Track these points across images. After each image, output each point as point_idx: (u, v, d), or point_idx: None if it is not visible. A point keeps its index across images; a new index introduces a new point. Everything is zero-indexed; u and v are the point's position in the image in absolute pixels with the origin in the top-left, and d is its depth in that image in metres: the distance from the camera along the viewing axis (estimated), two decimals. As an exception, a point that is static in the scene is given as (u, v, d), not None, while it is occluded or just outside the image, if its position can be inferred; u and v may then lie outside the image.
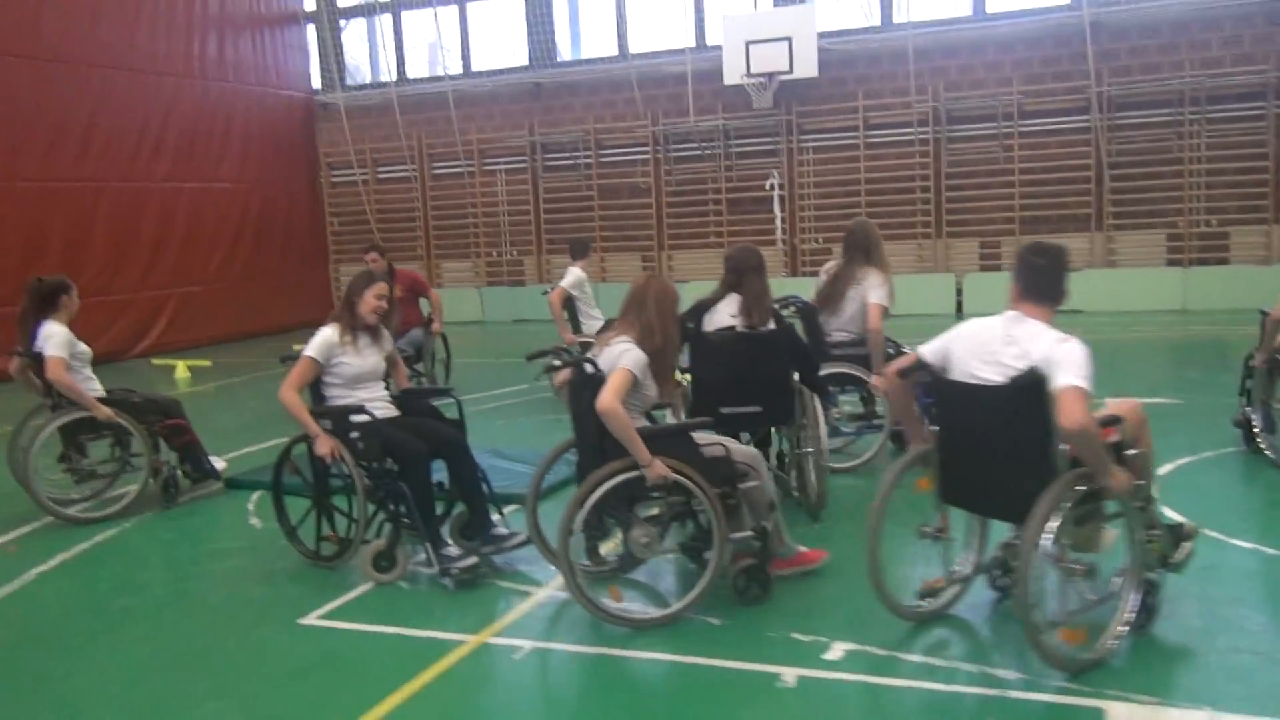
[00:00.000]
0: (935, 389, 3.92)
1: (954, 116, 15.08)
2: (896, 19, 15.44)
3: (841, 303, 6.38)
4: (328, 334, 5.05)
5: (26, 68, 13.48)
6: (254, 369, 12.69)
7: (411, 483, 4.77)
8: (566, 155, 17.36)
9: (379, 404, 5.13)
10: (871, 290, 6.26)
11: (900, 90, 15.33)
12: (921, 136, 15.20)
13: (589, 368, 4.33)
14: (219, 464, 6.83)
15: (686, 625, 4.21)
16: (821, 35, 15.15)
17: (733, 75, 15.30)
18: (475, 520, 5.03)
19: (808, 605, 4.35)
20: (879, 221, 15.57)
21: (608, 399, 4.09)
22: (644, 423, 4.50)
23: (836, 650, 3.92)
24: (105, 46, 14.71)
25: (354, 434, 4.87)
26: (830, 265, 6.73)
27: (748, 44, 15.10)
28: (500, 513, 5.09)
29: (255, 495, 6.50)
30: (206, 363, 12.57)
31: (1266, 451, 5.97)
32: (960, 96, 14.98)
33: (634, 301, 4.47)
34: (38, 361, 5.99)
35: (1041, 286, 3.72)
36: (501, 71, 17.90)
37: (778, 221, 16.02)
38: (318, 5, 18.89)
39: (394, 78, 18.48)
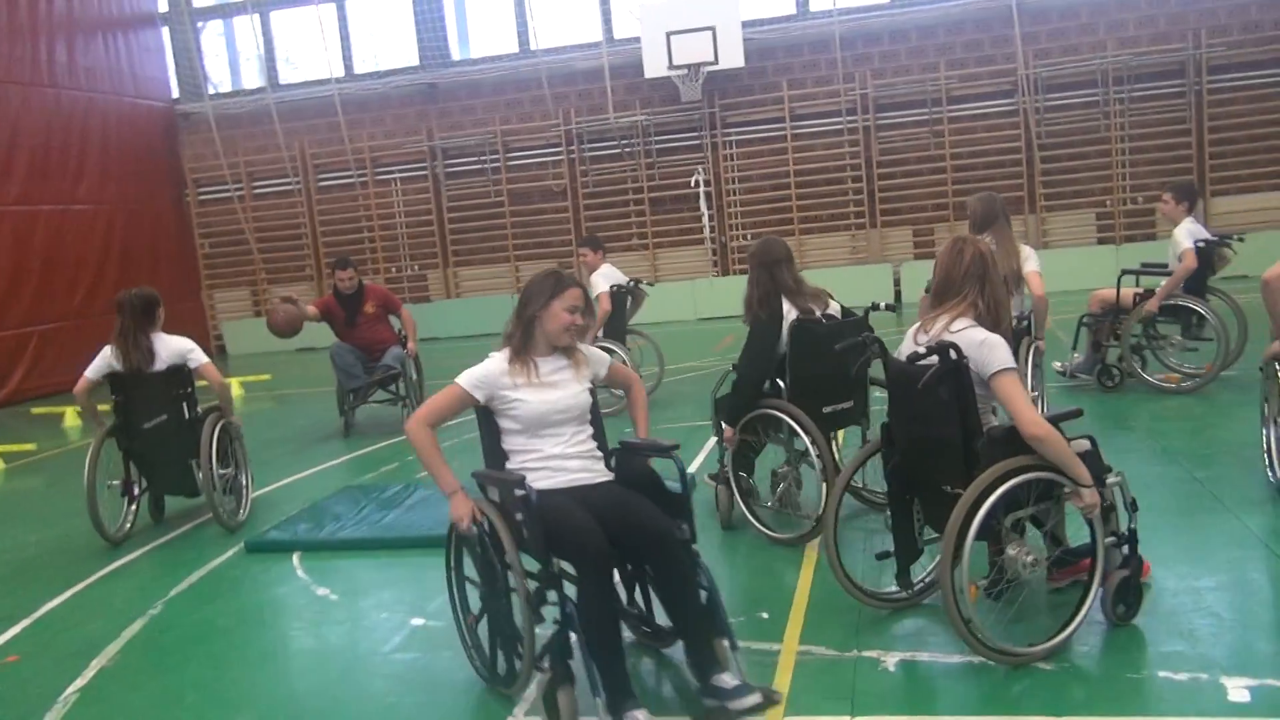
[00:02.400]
0: None
1: (882, 104, 14.80)
2: (815, 6, 15.07)
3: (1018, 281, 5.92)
4: (494, 362, 3.60)
5: None
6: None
7: (583, 598, 3.26)
8: (472, 160, 16.17)
9: (575, 462, 3.61)
10: (1027, 260, 5.94)
11: (825, 79, 14.95)
12: (850, 125, 14.85)
13: (953, 354, 3.43)
14: None
15: (1016, 677, 3.37)
16: (743, 25, 14.60)
17: (655, 68, 14.54)
18: (691, 655, 3.43)
19: (1128, 634, 3.59)
20: (809, 215, 15.31)
21: (1031, 413, 3.34)
22: (993, 421, 3.68)
23: (1237, 689, 3.18)
24: (-61, 50, 12.66)
25: (519, 514, 3.35)
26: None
27: (669, 35, 14.39)
28: (732, 644, 3.38)
29: (295, 555, 5.29)
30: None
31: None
32: (887, 84, 14.72)
33: (972, 273, 3.61)
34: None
35: None
36: (391, 73, 16.56)
37: (705, 219, 15.35)
38: (170, 6, 17.04)
39: (265, 83, 16.83)
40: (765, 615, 4.08)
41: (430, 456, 3.53)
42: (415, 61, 16.49)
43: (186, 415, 5.90)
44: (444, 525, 5.29)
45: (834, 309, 4.99)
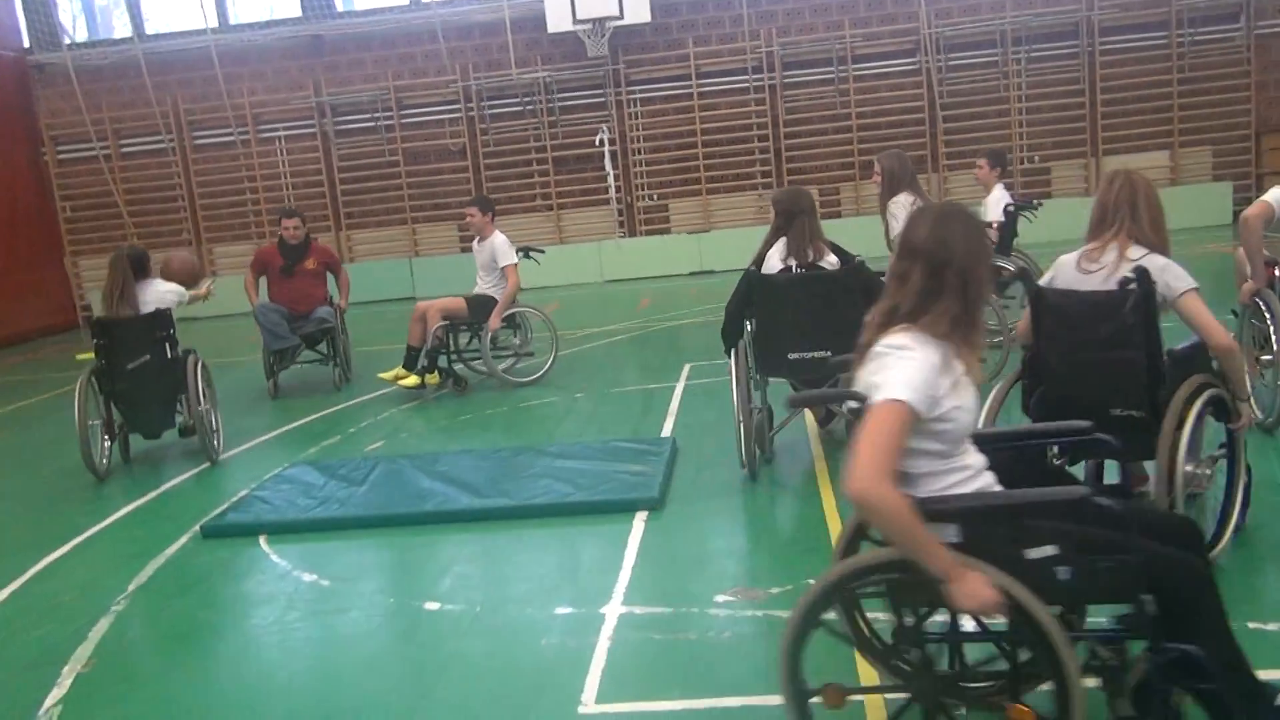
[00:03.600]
0: None
1: (788, 62, 14.70)
2: (718, -40, 14.84)
3: None
4: (924, 358, 2.27)
5: None
6: (30, 389, 10.10)
7: (1211, 645, 2.30)
8: (364, 117, 15.36)
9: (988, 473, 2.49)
10: None
11: (729, 36, 14.75)
12: (756, 84, 14.71)
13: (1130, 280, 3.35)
14: None
15: None
16: (646, -22, 14.24)
17: (558, 22, 14.06)
18: None
19: None
20: (715, 174, 15.13)
21: (1220, 327, 3.42)
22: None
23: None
24: None
25: (1060, 566, 2.26)
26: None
27: (572, -13, 13.92)
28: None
29: (262, 538, 4.82)
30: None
31: None
32: (792, 41, 14.62)
33: (1122, 200, 3.59)
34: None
35: None
36: (273, 24, 15.55)
37: (610, 179, 15.00)
38: (17, -55, 15.56)
39: (131, 32, 15.58)
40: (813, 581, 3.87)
41: (916, 530, 2.17)
42: (298, 12, 15.52)
43: (168, 355, 6.26)
44: (425, 500, 5.00)
45: (828, 261, 5.12)
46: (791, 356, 5.05)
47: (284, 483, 5.59)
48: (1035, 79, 14.39)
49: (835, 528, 4.34)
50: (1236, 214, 14.06)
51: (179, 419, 6.39)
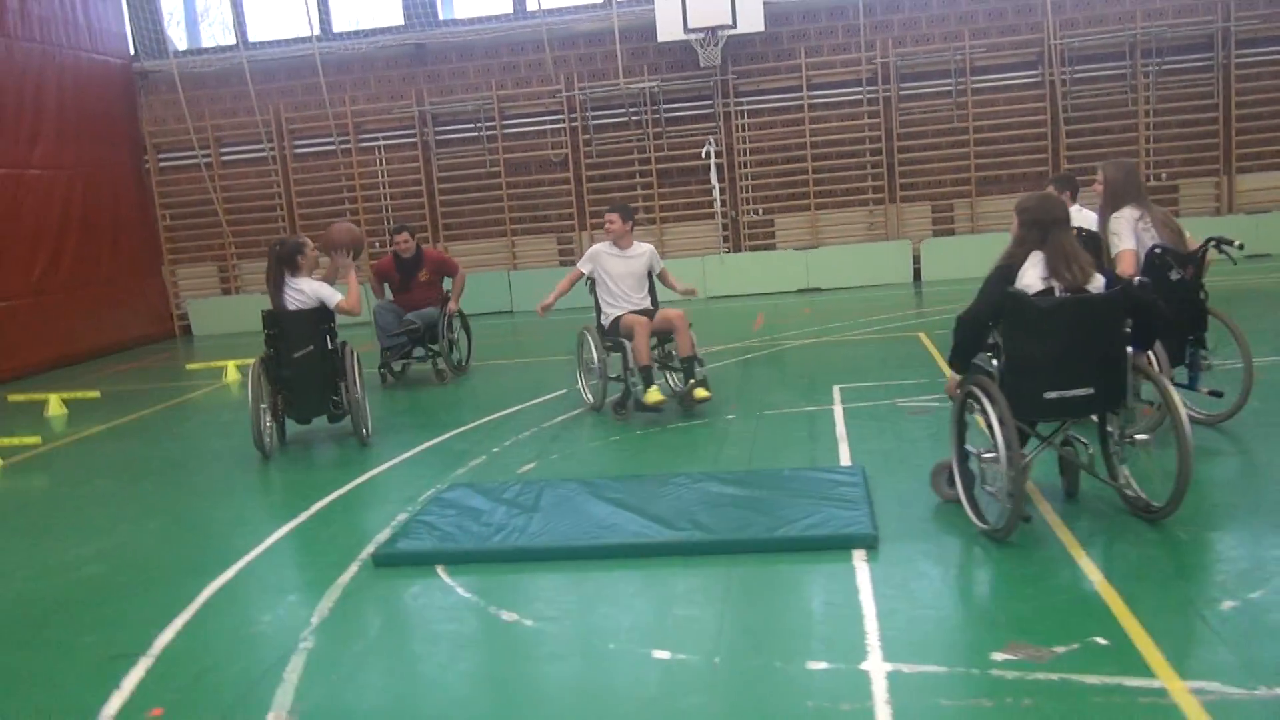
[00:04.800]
0: None
1: (903, 74, 14.21)
2: (832, -30, 14.41)
3: None
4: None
5: None
6: (147, 399, 9.91)
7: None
8: (466, 127, 15.15)
9: None
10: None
11: (842, 47, 14.32)
12: (870, 96, 14.24)
13: None
14: None
15: None
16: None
17: (669, 31, 13.72)
18: None
19: None
20: (825, 189, 14.66)
21: None
22: None
23: None
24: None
25: None
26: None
27: (684, -4, 13.58)
28: None
29: (441, 568, 4.45)
30: (93, 394, 9.63)
31: None
32: (908, 53, 14.13)
33: None
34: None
35: None
36: (375, 32, 15.42)
37: (715, 193, 14.61)
38: (124, -46, 15.62)
39: (235, 40, 15.54)
40: (1103, 640, 3.39)
41: None
42: (399, 21, 15.39)
43: (330, 345, 6.85)
44: (613, 531, 4.59)
45: (1095, 283, 4.32)
46: (1049, 396, 4.20)
47: (448, 507, 5.21)
48: (1165, 93, 13.75)
49: (1094, 574, 3.86)
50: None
51: (334, 405, 6.95)
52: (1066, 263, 4.26)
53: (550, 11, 14.72)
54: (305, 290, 6.79)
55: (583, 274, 7.45)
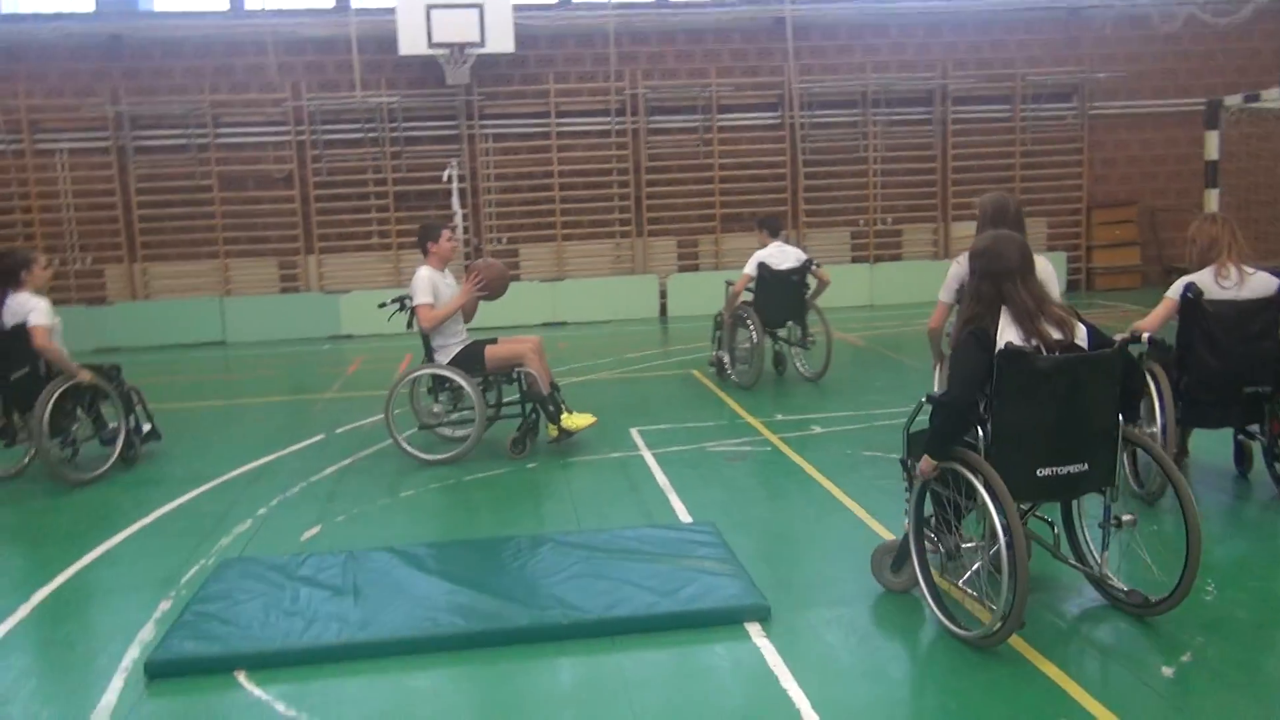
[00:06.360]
0: None
1: (653, 107, 14.07)
2: (579, -4, 14.08)
3: None
4: None
5: None
6: None
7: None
8: (175, 133, 13.35)
9: None
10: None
11: (590, 75, 13.98)
12: (619, 127, 13.98)
13: None
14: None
15: None
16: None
17: (412, 44, 12.78)
18: None
19: None
20: (571, 220, 14.20)
21: None
22: None
23: None
24: None
25: None
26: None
27: (429, 8, 12.71)
28: None
29: (240, 673, 3.41)
30: None
31: (734, 378, 8.55)
32: (654, 85, 14.01)
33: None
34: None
35: None
36: (59, 17, 13.30)
37: (458, 219, 13.73)
38: None
39: None
40: (1081, 724, 3.01)
41: None
42: (90, 7, 13.40)
43: (42, 371, 6.17)
44: (462, 615, 3.78)
45: (1080, 336, 3.63)
46: (1042, 473, 3.53)
47: (233, 592, 4.13)
48: (892, 142, 14.48)
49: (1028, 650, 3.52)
50: (1070, 284, 14.75)
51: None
52: (1031, 318, 3.53)
53: (274, 12, 13.32)
54: (22, 304, 6.18)
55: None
